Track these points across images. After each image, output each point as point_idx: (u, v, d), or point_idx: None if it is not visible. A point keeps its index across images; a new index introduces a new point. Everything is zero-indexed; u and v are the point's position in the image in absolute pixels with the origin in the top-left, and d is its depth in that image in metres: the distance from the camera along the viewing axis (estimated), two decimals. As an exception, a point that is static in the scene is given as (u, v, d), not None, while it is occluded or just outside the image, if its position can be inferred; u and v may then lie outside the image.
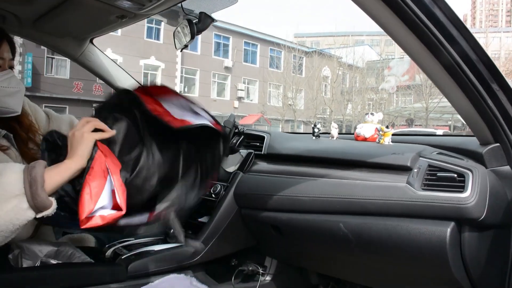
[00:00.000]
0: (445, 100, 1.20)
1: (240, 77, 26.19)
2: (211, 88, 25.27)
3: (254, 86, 27.20)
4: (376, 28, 1.11)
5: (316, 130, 1.66)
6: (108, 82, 2.17)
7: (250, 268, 1.67)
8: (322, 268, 1.58)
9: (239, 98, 25.87)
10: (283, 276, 1.73)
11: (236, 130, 1.73)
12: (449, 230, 1.04)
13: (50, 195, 1.00)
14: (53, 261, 1.27)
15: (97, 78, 2.30)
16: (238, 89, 25.84)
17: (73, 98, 18.85)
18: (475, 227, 1.07)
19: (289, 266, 1.74)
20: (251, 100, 27.03)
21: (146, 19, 2.22)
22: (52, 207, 0.99)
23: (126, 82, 2.23)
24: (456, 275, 1.08)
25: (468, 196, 1.03)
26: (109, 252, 1.48)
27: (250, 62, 27.12)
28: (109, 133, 1.07)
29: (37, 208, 0.97)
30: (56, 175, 1.01)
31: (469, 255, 1.08)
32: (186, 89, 24.19)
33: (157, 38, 22.06)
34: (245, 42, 26.66)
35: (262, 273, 1.67)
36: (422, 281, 1.22)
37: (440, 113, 22.12)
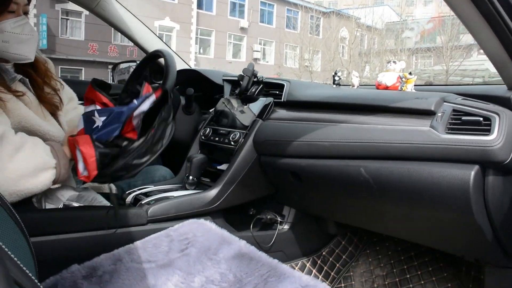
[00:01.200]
0: (466, 63, 1.17)
1: (256, 38, 25.78)
2: (226, 49, 24.97)
3: (270, 47, 26.78)
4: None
5: (336, 78, 1.63)
6: (125, 34, 2.15)
7: (268, 217, 1.69)
8: (340, 216, 1.59)
9: (255, 60, 25.53)
10: (300, 225, 1.74)
11: (255, 79, 1.71)
12: (473, 173, 1.02)
13: None
14: (76, 204, 1.30)
15: (112, 39, 2.30)
16: (254, 50, 25.48)
17: (88, 59, 18.83)
18: (500, 171, 1.05)
19: (307, 216, 1.75)
20: (267, 62, 26.68)
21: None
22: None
23: (144, 35, 2.21)
24: (478, 221, 1.07)
25: (494, 139, 1.01)
26: (129, 198, 1.50)
27: (266, 22, 26.59)
28: None
29: (60, 180, 1.23)
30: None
31: (492, 200, 1.06)
32: (201, 51, 23.96)
33: (172, -3, 21.74)
34: (261, 2, 26.05)
35: (280, 221, 1.69)
36: (443, 228, 1.22)
37: (460, 76, 21.58)
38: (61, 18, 18.49)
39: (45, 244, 1.18)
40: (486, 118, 1.06)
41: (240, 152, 1.53)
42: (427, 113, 1.16)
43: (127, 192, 1.53)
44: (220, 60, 23.31)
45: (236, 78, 1.80)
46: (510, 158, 1.01)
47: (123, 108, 1.25)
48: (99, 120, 1.26)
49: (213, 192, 1.48)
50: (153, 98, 1.27)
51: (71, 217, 1.24)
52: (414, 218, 1.25)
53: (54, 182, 1.23)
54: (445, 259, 1.70)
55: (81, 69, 18.21)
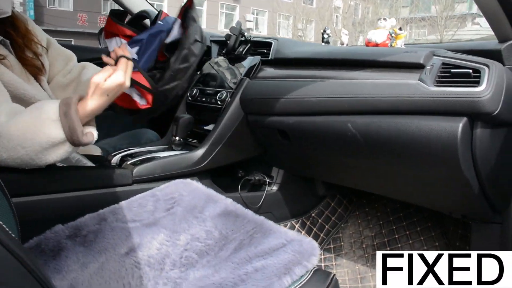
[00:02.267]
0: (460, 32, 1.14)
1: (249, 8, 25.34)
2: (218, 19, 24.54)
3: (263, 17, 26.37)
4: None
5: (325, 36, 1.59)
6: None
7: (257, 178, 1.67)
8: (329, 176, 1.58)
9: (248, 30, 25.14)
10: (289, 187, 1.74)
11: (243, 38, 1.66)
12: (461, 125, 1.01)
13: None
14: (58, 164, 1.27)
15: (102, 9, 2.20)
16: (247, 20, 25.07)
17: (78, 31, 18.43)
18: (488, 123, 1.03)
19: (296, 177, 1.74)
20: (260, 32, 26.27)
21: None
22: (93, 141, 1.12)
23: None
24: (466, 174, 1.06)
25: (483, 90, 0.98)
26: (114, 159, 1.48)
27: (259, -9, 26.14)
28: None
29: (80, 145, 1.11)
30: (89, 112, 1.11)
31: (479, 153, 1.05)
32: (193, 21, 23.48)
33: (162, -35, 21.19)
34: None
35: (268, 182, 1.68)
36: (431, 184, 1.21)
37: (454, 46, 21.41)
38: (50, -13, 18.06)
39: (27, 204, 1.15)
40: (476, 70, 1.04)
41: (227, 111, 1.50)
42: (416, 67, 1.14)
43: (112, 154, 1.50)
44: (212, 31, 22.94)
45: (224, 38, 1.75)
46: (498, 110, 0.99)
47: (150, 32, 1.26)
48: (133, 53, 1.25)
49: (199, 152, 1.46)
50: (179, 22, 1.28)
51: (54, 177, 1.21)
52: (402, 175, 1.24)
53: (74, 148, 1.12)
54: (433, 219, 1.71)
55: (71, 41, 17.83)
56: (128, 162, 1.39)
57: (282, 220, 1.74)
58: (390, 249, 1.75)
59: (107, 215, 1.13)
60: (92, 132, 1.12)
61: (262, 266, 0.93)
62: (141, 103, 1.26)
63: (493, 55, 1.11)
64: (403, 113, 1.10)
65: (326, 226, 1.89)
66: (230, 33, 1.65)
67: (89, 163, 1.40)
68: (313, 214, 1.85)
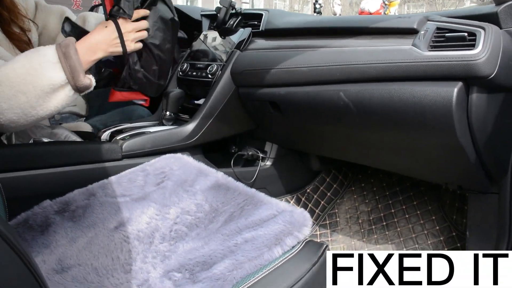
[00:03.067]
0: (459, 11, 1.11)
1: (244, -9, 25.05)
2: (214, 0, 24.28)
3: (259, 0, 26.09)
4: None
5: (317, 6, 1.56)
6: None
7: (250, 153, 1.65)
8: (322, 149, 1.55)
9: (244, 11, 24.90)
10: (283, 162, 1.71)
11: (233, 11, 1.62)
12: (456, 90, 0.97)
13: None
14: (46, 140, 1.25)
15: None
16: (243, 2, 24.80)
17: (72, 14, 18.20)
18: (484, 88, 1.00)
19: (290, 152, 1.72)
20: (256, 13, 26.03)
21: None
22: (92, 85, 1.13)
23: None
24: (461, 140, 1.03)
25: (479, 53, 0.95)
26: (104, 136, 1.45)
27: (255, -29, 25.80)
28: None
29: (80, 90, 1.10)
30: (90, 54, 1.12)
31: (475, 119, 1.02)
32: (188, 3, 23.25)
33: None
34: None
35: (262, 157, 1.65)
36: (426, 154, 1.18)
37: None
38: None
39: (14, 180, 1.13)
40: (471, 33, 1.00)
41: (217, 85, 1.46)
42: (409, 32, 1.10)
43: (102, 130, 1.48)
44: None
45: (214, 12, 1.71)
46: (494, 73, 0.96)
47: None
48: None
49: (190, 126, 1.43)
50: None
51: (41, 152, 1.18)
52: (397, 145, 1.22)
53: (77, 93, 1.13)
54: (429, 192, 1.69)
55: (65, 25, 17.62)
56: (118, 138, 1.37)
57: (277, 195, 1.72)
58: (387, 224, 1.73)
59: (96, 190, 1.11)
60: (90, 78, 1.12)
61: (252, 237, 0.92)
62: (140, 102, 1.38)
63: (490, 18, 1.07)
64: (396, 79, 1.06)
65: (322, 202, 1.87)
66: (220, 5, 1.60)
67: (78, 139, 1.37)
68: (308, 190, 1.84)
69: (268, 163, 1.67)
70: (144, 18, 1.26)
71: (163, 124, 1.48)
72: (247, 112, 1.54)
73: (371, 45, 1.14)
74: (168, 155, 1.26)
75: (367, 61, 1.10)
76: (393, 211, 1.76)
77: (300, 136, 1.52)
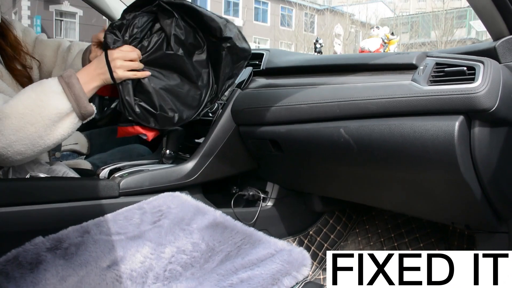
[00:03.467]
0: (458, 49, 1.13)
1: (251, 36, 25.71)
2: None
3: (265, 46, 26.75)
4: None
5: (318, 46, 1.58)
6: (106, 14, 2.06)
7: (251, 193, 1.62)
8: (324, 188, 1.52)
9: (250, 59, 25.46)
10: (285, 202, 1.68)
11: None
12: (457, 123, 0.95)
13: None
14: (42, 175, 1.23)
15: None
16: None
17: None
18: (487, 121, 0.98)
19: (292, 192, 1.68)
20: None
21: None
22: (94, 111, 1.16)
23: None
24: (466, 177, 1.00)
25: (479, 85, 0.94)
26: (103, 173, 1.43)
27: (260, 20, 26.64)
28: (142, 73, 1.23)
29: (84, 117, 1.14)
30: (90, 82, 1.16)
31: (479, 154, 0.99)
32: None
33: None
34: (255, 0, 26.07)
35: (263, 197, 1.62)
36: (430, 191, 1.14)
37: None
38: (55, 19, 18.46)
39: (7, 215, 1.10)
40: (470, 68, 0.99)
41: (218, 123, 1.45)
42: (408, 68, 1.10)
43: (101, 168, 1.46)
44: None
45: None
46: (496, 106, 0.94)
47: None
48: None
49: (189, 165, 1.41)
50: None
51: (37, 187, 1.16)
52: (399, 182, 1.18)
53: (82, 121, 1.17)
54: (436, 234, 1.64)
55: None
56: (116, 175, 1.35)
57: (278, 237, 1.65)
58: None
59: (90, 227, 1.08)
60: (92, 105, 1.15)
61: (248, 277, 0.88)
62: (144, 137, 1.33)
63: (488, 53, 1.07)
64: (396, 115, 1.05)
65: (325, 245, 1.81)
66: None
67: (76, 176, 1.35)
68: (310, 232, 1.79)
69: (270, 203, 1.64)
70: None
71: (163, 163, 1.46)
72: (248, 151, 1.52)
73: (371, 81, 1.14)
74: (166, 194, 1.24)
75: (367, 97, 1.09)
76: (399, 254, 1.70)
77: (302, 176, 1.49)
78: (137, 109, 1.25)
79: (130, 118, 1.27)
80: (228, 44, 1.28)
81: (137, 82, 1.25)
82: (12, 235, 1.07)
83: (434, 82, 1.03)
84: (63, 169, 1.35)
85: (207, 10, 1.29)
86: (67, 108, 1.09)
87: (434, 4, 25.24)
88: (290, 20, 27.02)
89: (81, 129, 1.71)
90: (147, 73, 1.24)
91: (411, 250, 1.67)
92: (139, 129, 1.31)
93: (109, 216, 1.13)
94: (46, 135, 1.09)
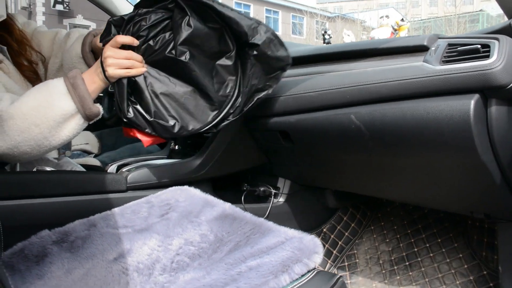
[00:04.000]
0: (471, 33, 1.09)
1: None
2: None
3: (277, 54, 26.86)
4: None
5: (326, 37, 1.54)
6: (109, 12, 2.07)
7: (262, 189, 1.59)
8: (336, 181, 1.47)
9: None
10: (297, 198, 1.64)
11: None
12: (473, 102, 0.91)
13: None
14: (49, 168, 1.22)
15: None
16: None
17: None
18: (504, 99, 0.93)
19: (304, 188, 1.65)
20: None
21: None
22: (100, 112, 1.13)
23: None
24: (483, 158, 0.95)
25: (494, 61, 0.89)
26: (111, 169, 1.42)
27: (272, 29, 26.74)
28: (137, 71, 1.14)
29: (89, 118, 1.12)
30: (93, 82, 1.13)
31: (497, 134, 0.94)
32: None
33: None
34: (266, 9, 26.22)
35: (274, 193, 1.59)
36: (445, 175, 1.09)
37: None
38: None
39: (13, 208, 1.10)
40: (485, 45, 0.95)
41: (226, 116, 1.43)
42: (419, 50, 1.06)
43: (109, 164, 1.45)
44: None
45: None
46: (513, 83, 0.90)
47: None
48: None
49: (198, 160, 1.38)
50: None
51: (43, 180, 1.15)
52: (414, 169, 1.14)
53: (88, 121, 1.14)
54: (455, 228, 1.58)
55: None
56: (124, 170, 1.33)
57: (291, 234, 1.63)
58: (410, 264, 1.62)
59: (97, 221, 1.07)
60: (98, 106, 1.13)
61: (257, 264, 0.85)
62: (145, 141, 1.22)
63: (503, 32, 1.03)
64: (409, 97, 1.01)
65: (340, 242, 1.77)
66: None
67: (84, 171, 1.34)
68: (324, 229, 1.74)
69: (281, 199, 1.60)
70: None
71: (171, 158, 1.44)
72: (257, 145, 1.49)
73: (381, 65, 1.10)
74: (174, 187, 1.22)
75: (378, 80, 1.05)
76: (416, 250, 1.65)
77: (313, 168, 1.45)
78: (131, 113, 1.13)
79: (125, 120, 1.15)
80: (255, 52, 1.11)
81: (133, 83, 1.13)
82: (18, 228, 1.06)
83: (446, 62, 0.99)
84: (70, 165, 1.34)
85: (233, 10, 1.11)
86: (72, 109, 1.08)
87: (446, 9, 25.09)
88: (301, 28, 27.11)
89: (91, 129, 1.71)
90: (142, 69, 1.12)
91: (429, 245, 1.62)
92: (136, 133, 1.19)
93: (116, 210, 1.12)
94: (51, 136, 1.08)
